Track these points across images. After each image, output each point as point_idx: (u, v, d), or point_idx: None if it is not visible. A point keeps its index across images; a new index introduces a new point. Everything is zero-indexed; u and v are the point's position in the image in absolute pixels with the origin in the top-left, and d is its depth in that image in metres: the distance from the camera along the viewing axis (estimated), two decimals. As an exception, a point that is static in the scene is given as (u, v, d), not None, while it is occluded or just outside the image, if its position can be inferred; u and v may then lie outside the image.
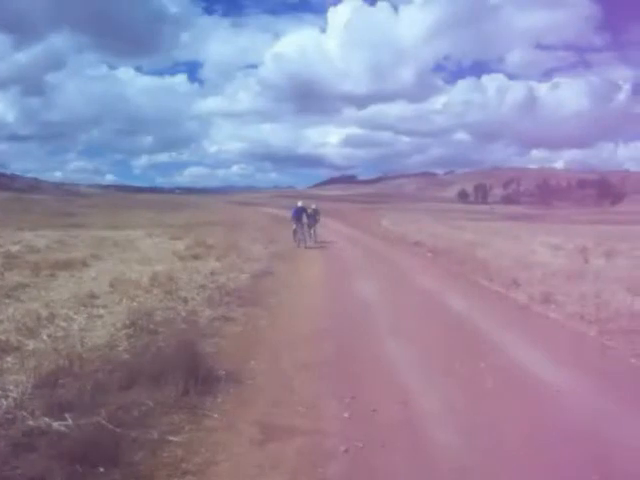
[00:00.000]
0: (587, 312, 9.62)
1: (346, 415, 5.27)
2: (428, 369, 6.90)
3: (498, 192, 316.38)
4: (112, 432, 4.50)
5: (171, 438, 4.59)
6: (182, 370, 5.55)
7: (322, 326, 8.81)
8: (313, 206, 24.87)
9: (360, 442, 4.67)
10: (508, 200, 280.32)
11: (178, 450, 4.42)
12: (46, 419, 4.61)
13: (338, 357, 7.26)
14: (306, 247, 22.42)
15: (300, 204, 23.82)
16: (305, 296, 11.60)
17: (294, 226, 23.04)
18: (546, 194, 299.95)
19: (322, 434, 4.83)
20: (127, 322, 7.81)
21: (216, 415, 5.12)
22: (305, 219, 23.41)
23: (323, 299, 11.42)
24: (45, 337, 7.27)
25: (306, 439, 4.73)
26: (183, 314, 8.73)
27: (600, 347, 7.95)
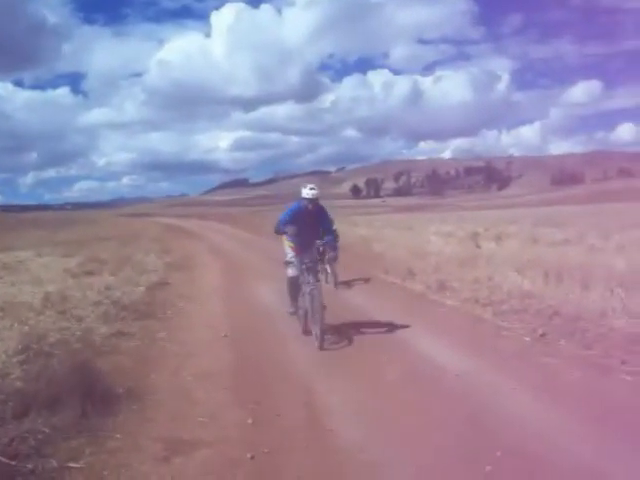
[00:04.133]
0: (481, 296, 10.14)
1: (250, 421, 5.32)
2: (330, 368, 7.05)
3: (389, 185, 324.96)
4: (7, 466, 4.35)
5: (72, 465, 4.47)
6: (79, 392, 5.40)
7: (221, 334, 8.80)
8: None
9: (266, 447, 4.73)
10: (400, 192, 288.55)
11: (79, 477, 4.31)
12: None
13: (239, 364, 7.28)
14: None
15: (309, 193, 8.35)
16: (203, 305, 11.51)
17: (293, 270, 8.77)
18: (436, 184, 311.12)
19: (227, 443, 4.84)
20: (19, 347, 7.46)
21: (118, 435, 5.03)
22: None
23: (222, 306, 11.38)
24: None
25: (211, 450, 4.73)
26: (78, 333, 8.46)
27: (495, 328, 8.43)
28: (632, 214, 38.03)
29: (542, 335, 7.84)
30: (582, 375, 6.25)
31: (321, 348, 7.68)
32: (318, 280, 8.37)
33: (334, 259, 9.61)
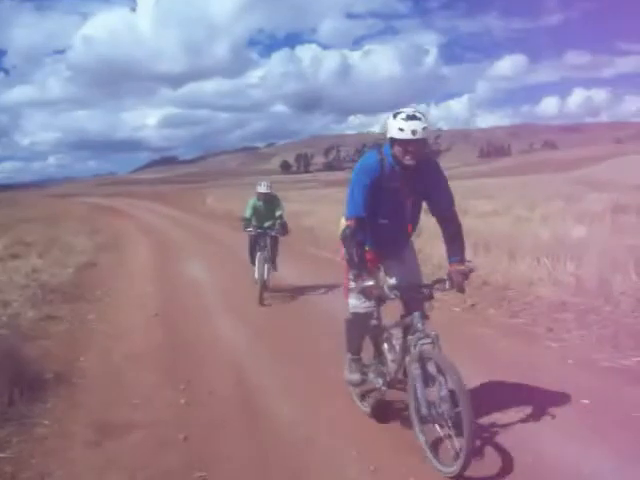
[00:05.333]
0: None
1: (183, 402, 5.27)
2: (261, 347, 7.04)
3: (320, 160, 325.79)
4: None
5: (-1, 455, 4.36)
6: (4, 380, 5.24)
7: (152, 313, 8.68)
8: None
9: (199, 427, 4.71)
10: (330, 167, 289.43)
11: (7, 467, 4.18)
12: None
13: (171, 343, 7.19)
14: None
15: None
16: (134, 285, 11.29)
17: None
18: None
19: (159, 425, 4.78)
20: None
21: (47, 422, 4.90)
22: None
23: (152, 285, 11.18)
24: None
25: (143, 432, 4.66)
26: (4, 319, 8.19)
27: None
28: (556, 185, 39.30)
29: (472, 305, 8.05)
30: (509, 343, 6.46)
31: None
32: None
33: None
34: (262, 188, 9.70)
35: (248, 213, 9.77)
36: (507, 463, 3.81)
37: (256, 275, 9.46)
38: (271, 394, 5.40)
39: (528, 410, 4.56)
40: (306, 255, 13.98)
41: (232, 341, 7.24)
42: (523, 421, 4.40)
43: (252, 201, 9.86)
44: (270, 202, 9.82)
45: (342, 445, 4.27)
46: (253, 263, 9.82)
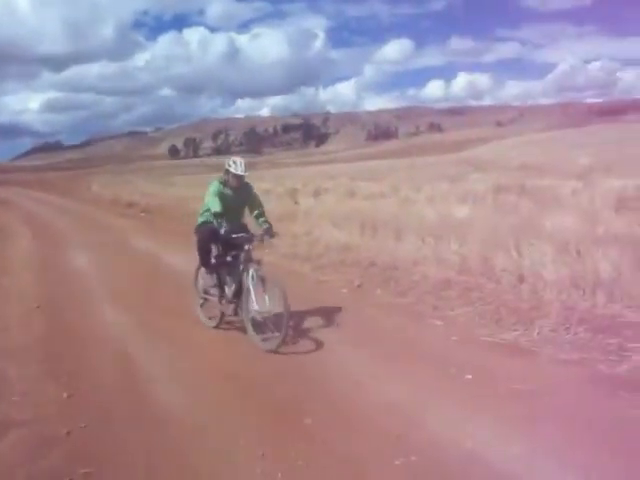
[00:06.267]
0: (300, 251, 10.32)
1: (65, 395, 5.01)
2: (147, 333, 6.84)
3: (208, 145, 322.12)
4: None
5: None
6: None
7: (34, 305, 8.21)
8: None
9: (82, 422, 4.48)
10: (219, 151, 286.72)
11: None
12: None
13: (53, 335, 6.81)
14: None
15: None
16: (15, 276, 10.65)
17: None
18: (254, 142, 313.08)
19: (42, 421, 4.53)
20: None
21: None
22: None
23: (35, 277, 10.56)
24: None
25: (25, 430, 4.38)
26: None
27: (313, 282, 8.61)
28: (441, 167, 40.57)
29: (359, 286, 8.13)
30: (395, 322, 6.56)
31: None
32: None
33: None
34: (237, 168, 6.32)
35: (218, 205, 6.18)
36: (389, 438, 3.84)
37: (227, 310, 6.52)
38: (154, 381, 5.23)
39: (413, 387, 4.63)
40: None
41: (114, 330, 6.95)
42: (410, 399, 4.46)
43: (216, 187, 6.38)
44: (243, 192, 6.58)
45: (234, 429, 4.18)
46: (219, 287, 6.60)
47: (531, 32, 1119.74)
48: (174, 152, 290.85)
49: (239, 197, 6.56)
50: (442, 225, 10.38)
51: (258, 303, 5.90)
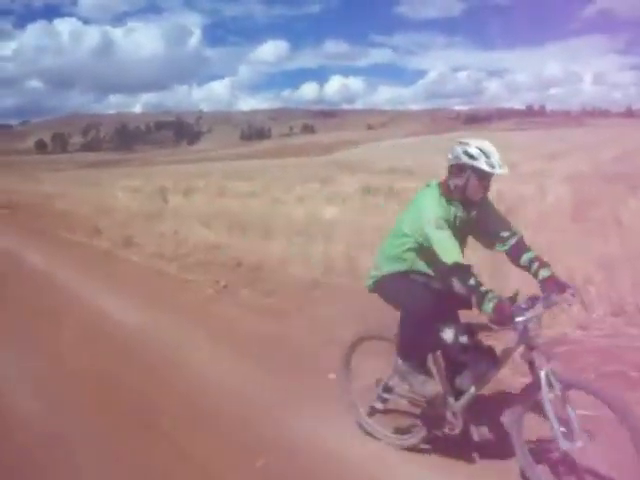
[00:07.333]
0: (167, 250, 10.12)
1: None
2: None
3: (78, 140, 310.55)
4: None
5: None
6: None
7: None
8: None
9: None
10: (89, 147, 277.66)
11: None
12: None
13: None
14: None
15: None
16: None
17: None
18: (126, 139, 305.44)
19: None
20: None
21: None
22: None
23: None
24: None
25: None
26: None
27: (179, 282, 8.46)
28: (313, 168, 41.08)
29: (225, 286, 8.04)
30: (259, 322, 6.53)
31: None
32: None
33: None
34: (493, 163, 3.31)
35: (453, 246, 3.34)
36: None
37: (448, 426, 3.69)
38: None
39: (278, 389, 4.63)
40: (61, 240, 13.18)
41: None
42: (278, 403, 4.44)
43: (435, 202, 3.51)
44: (479, 209, 3.58)
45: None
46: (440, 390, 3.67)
47: (403, 39, 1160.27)
48: (41, 147, 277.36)
49: (470, 219, 3.59)
50: (310, 225, 10.49)
51: (569, 437, 2.98)
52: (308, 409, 4.30)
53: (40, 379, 5.15)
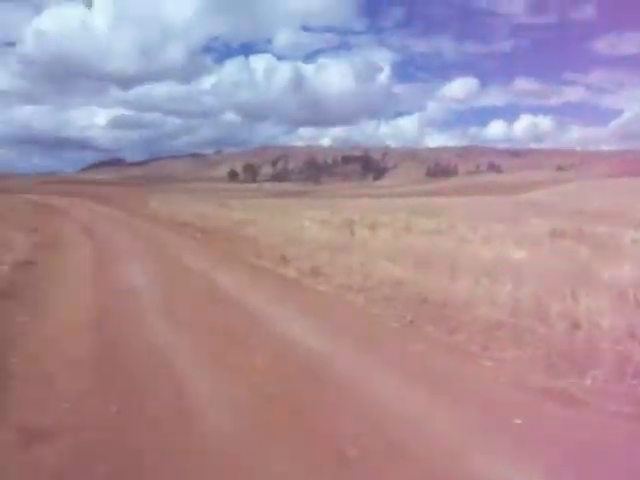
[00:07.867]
0: (354, 282, 10.36)
1: (115, 410, 5.15)
2: (196, 355, 6.97)
3: (267, 171, 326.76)
4: None
5: None
6: None
7: (89, 317, 8.45)
8: None
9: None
10: (277, 178, 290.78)
11: None
12: None
13: (106, 350, 7.01)
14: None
15: None
16: (72, 287, 10.99)
17: None
18: (314, 171, 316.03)
19: (90, 429, 4.69)
20: None
21: None
22: None
23: (91, 289, 10.91)
24: None
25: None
26: None
27: (366, 314, 8.66)
28: (499, 207, 40.21)
29: (410, 321, 8.12)
30: (444, 359, 6.55)
31: None
32: None
33: None
34: None
35: None
36: None
37: None
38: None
39: (456, 427, 4.63)
40: (248, 265, 13.93)
41: (174, 358, 7.08)
42: (452, 440, 4.45)
43: None
44: None
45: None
46: None
47: (598, 77, 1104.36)
48: (233, 175, 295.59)
49: None
50: (497, 266, 10.32)
51: None
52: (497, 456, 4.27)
53: (236, 400, 5.52)
